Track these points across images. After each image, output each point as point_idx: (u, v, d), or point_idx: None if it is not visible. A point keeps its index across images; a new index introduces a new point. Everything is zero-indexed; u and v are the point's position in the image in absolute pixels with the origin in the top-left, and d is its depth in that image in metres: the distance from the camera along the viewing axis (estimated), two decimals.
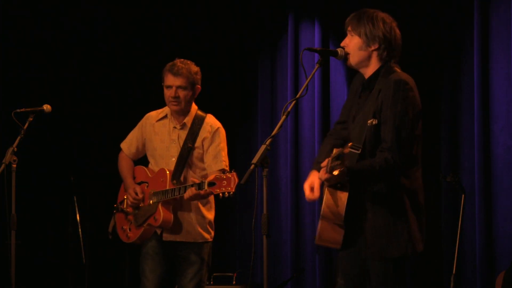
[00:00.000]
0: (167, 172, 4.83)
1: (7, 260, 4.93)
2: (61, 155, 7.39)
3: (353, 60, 3.91)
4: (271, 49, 7.57)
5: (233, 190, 4.47)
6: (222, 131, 4.97)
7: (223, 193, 4.50)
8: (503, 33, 6.17)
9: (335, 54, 3.99)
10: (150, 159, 5.00)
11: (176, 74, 4.83)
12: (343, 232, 3.76)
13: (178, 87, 4.84)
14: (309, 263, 7.06)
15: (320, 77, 7.06)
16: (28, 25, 7.35)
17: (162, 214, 4.76)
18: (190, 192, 4.64)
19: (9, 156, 4.87)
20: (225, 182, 4.49)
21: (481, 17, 6.22)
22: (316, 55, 4.07)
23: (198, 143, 4.89)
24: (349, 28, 3.94)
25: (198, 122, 4.93)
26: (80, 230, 6.96)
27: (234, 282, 6.78)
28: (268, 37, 7.58)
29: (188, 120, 4.93)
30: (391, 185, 3.70)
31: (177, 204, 4.83)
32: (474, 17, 6.24)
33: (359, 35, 3.90)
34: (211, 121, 4.97)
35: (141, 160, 5.12)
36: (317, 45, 7.05)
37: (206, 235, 4.94)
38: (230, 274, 6.84)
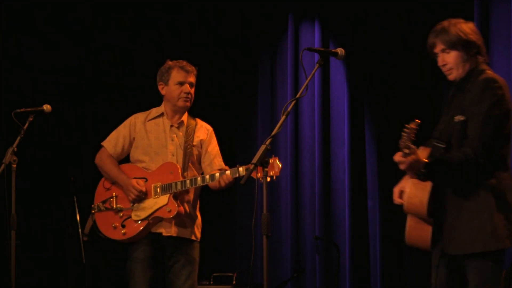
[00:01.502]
0: (177, 165, 4.83)
1: (7, 260, 4.92)
2: (61, 155, 7.39)
3: (458, 73, 3.89)
4: (271, 49, 7.58)
5: (278, 174, 4.43)
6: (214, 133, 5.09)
7: (271, 176, 4.39)
8: (503, 33, 6.16)
9: (335, 54, 3.99)
10: (142, 157, 4.97)
11: (188, 71, 4.92)
12: (430, 229, 3.78)
13: (190, 83, 4.93)
14: (309, 263, 7.06)
15: (320, 77, 7.07)
16: (28, 25, 7.36)
17: (176, 205, 4.77)
18: (227, 179, 4.66)
19: (9, 156, 4.87)
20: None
21: (481, 17, 6.22)
22: (316, 55, 4.07)
23: (196, 142, 4.93)
24: (441, 47, 3.90)
25: (192, 123, 4.97)
26: (80, 230, 6.96)
27: (234, 282, 6.78)
28: (268, 37, 7.58)
29: (185, 119, 4.96)
30: (476, 183, 3.70)
31: (181, 201, 4.84)
32: (474, 17, 6.24)
33: (455, 49, 3.87)
34: (203, 123, 5.08)
35: (123, 161, 5.11)
36: (317, 45, 7.05)
37: (198, 234, 4.98)
38: (230, 274, 6.84)
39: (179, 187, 4.76)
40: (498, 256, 3.70)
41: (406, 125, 3.59)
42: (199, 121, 5.06)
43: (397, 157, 3.69)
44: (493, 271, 3.69)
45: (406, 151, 3.61)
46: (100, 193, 5.04)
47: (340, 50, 4.00)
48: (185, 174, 4.82)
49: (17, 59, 7.30)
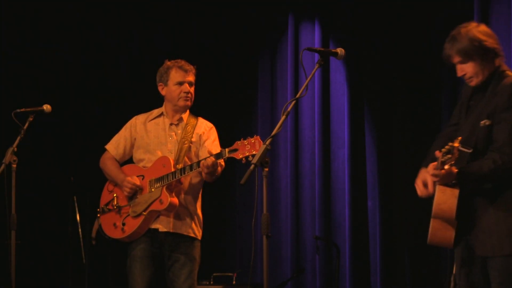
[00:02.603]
0: (169, 157, 4.84)
1: (7, 260, 4.92)
2: (61, 155, 7.39)
3: (478, 80, 3.87)
4: (271, 49, 7.58)
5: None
6: (216, 131, 5.08)
7: (247, 157, 4.47)
8: (503, 33, 6.16)
9: (335, 54, 3.99)
10: (143, 155, 4.99)
11: (187, 70, 4.94)
12: (454, 230, 3.79)
13: (189, 83, 4.94)
14: (309, 263, 7.06)
15: (320, 77, 7.07)
16: (28, 25, 7.36)
17: (169, 196, 4.77)
18: (209, 160, 4.62)
19: (9, 156, 4.87)
20: (248, 146, 4.49)
21: (481, 17, 6.22)
22: (316, 55, 4.07)
23: (195, 138, 4.94)
24: (457, 59, 3.87)
25: (193, 121, 4.98)
26: (80, 230, 6.96)
27: (234, 282, 6.78)
28: (268, 37, 7.58)
29: (185, 117, 4.98)
30: (503, 184, 3.72)
31: (176, 194, 4.84)
32: (474, 17, 6.24)
33: (472, 59, 3.85)
34: (204, 121, 5.08)
35: (126, 163, 5.11)
36: (317, 45, 7.05)
37: (197, 232, 4.97)
38: (230, 274, 6.84)
39: (170, 178, 4.77)
40: None
41: (451, 144, 3.60)
42: (200, 119, 5.06)
43: (431, 170, 3.72)
44: None
45: (447, 166, 3.64)
46: (104, 196, 5.08)
47: (340, 50, 4.00)
48: (178, 166, 4.81)
49: (17, 59, 7.29)
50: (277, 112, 7.40)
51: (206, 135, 4.99)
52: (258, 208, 6.03)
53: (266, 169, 3.74)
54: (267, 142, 3.74)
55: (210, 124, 5.07)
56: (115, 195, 5.00)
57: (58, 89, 7.29)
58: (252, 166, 3.71)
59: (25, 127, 4.94)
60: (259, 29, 7.61)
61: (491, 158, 3.69)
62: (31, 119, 4.98)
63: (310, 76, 3.89)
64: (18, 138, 4.93)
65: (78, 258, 6.91)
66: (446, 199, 3.75)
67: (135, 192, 4.90)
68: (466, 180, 3.72)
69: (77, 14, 7.49)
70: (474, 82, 3.88)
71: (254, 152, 4.45)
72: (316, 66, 3.94)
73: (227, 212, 7.70)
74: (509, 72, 3.85)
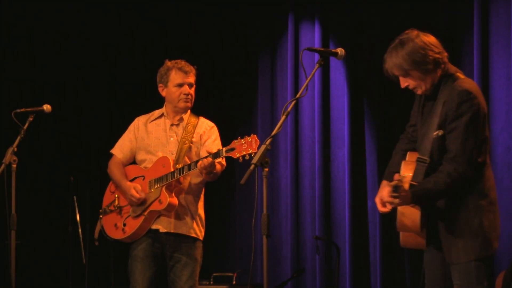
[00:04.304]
0: (169, 158, 4.84)
1: (7, 260, 4.92)
2: (61, 155, 7.39)
3: (424, 89, 3.84)
4: (271, 49, 7.57)
5: (256, 151, 4.41)
6: (217, 130, 5.06)
7: (244, 156, 4.47)
8: (503, 33, 6.17)
9: (335, 54, 3.99)
10: (145, 156, 4.98)
11: (187, 72, 4.92)
12: (424, 236, 3.80)
13: (189, 84, 4.92)
14: (309, 263, 7.07)
15: (320, 77, 7.07)
16: (28, 25, 7.36)
17: (168, 196, 4.77)
18: (206, 161, 4.61)
19: (9, 156, 4.86)
20: (245, 145, 4.48)
21: (481, 17, 6.22)
22: (316, 55, 4.07)
23: (195, 138, 4.93)
24: (397, 72, 3.85)
25: (194, 120, 4.98)
26: (80, 230, 6.96)
27: (234, 282, 6.78)
28: (268, 37, 7.58)
29: (185, 116, 4.97)
30: (463, 192, 3.73)
31: (176, 194, 4.84)
32: (474, 16, 6.24)
33: (409, 74, 3.83)
34: (205, 121, 5.07)
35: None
36: (317, 45, 7.05)
37: (199, 232, 4.95)
38: (230, 274, 6.85)
39: (169, 178, 4.77)
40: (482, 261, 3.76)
41: (398, 181, 3.61)
42: (202, 119, 5.05)
43: (386, 197, 3.68)
44: (477, 269, 3.73)
45: (397, 201, 3.64)
46: (106, 197, 5.09)
47: (340, 50, 4.00)
48: (177, 166, 4.81)
49: (17, 59, 7.29)
50: (277, 112, 7.40)
51: (207, 134, 4.98)
52: (258, 208, 6.03)
53: (266, 169, 3.74)
54: (267, 142, 3.74)
55: (211, 124, 5.06)
56: (116, 195, 5.00)
57: (58, 89, 7.29)
58: (252, 166, 3.71)
59: (25, 127, 4.94)
60: (259, 29, 7.61)
61: (446, 171, 3.67)
62: (31, 119, 4.98)
63: (310, 76, 3.89)
64: (18, 138, 4.92)
65: (78, 258, 6.91)
66: (408, 215, 3.75)
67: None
68: (422, 200, 3.70)
69: (77, 14, 7.49)
70: (419, 92, 3.87)
71: (251, 151, 4.44)
72: (316, 66, 3.94)
73: (227, 212, 7.70)
74: (459, 74, 3.82)
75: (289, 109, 3.81)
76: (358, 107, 6.93)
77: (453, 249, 3.74)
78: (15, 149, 4.89)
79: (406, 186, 3.66)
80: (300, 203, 7.19)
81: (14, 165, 4.88)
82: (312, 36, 7.17)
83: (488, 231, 3.73)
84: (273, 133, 3.78)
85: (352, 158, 6.86)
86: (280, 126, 3.79)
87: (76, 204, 6.96)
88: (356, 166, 6.85)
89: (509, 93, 6.14)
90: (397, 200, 3.61)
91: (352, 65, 6.97)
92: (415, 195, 3.67)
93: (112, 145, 5.17)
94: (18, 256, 4.94)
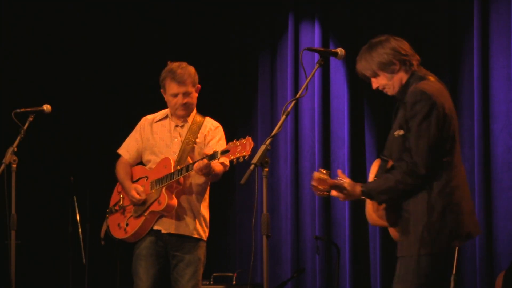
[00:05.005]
0: (171, 159, 4.83)
1: (7, 260, 4.92)
2: (61, 155, 7.39)
3: (394, 90, 3.96)
4: (271, 49, 7.58)
5: (249, 153, 4.40)
6: (222, 130, 5.02)
7: (238, 158, 4.44)
8: (503, 33, 6.16)
9: (335, 54, 4.00)
10: (150, 157, 4.99)
11: (180, 82, 4.84)
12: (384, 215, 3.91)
13: (184, 94, 4.87)
14: (309, 263, 7.07)
15: (320, 77, 7.07)
16: (28, 25, 7.36)
17: (167, 197, 4.77)
18: (201, 163, 4.60)
19: (9, 156, 4.86)
20: (239, 147, 4.45)
21: (481, 17, 6.22)
22: (316, 55, 4.08)
23: (199, 139, 4.92)
24: (367, 75, 4.01)
25: (199, 121, 4.96)
26: (80, 230, 6.96)
27: (234, 282, 6.78)
28: (268, 37, 7.58)
29: (190, 118, 4.96)
30: (420, 189, 3.75)
31: (178, 195, 4.84)
32: (474, 16, 6.24)
33: (377, 75, 3.97)
34: (211, 121, 5.03)
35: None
36: (317, 45, 7.05)
37: (202, 233, 4.94)
38: (230, 274, 6.85)
39: (169, 179, 4.77)
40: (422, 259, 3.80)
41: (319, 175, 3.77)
42: (207, 118, 5.02)
43: (334, 193, 3.85)
44: (417, 262, 3.79)
45: (319, 194, 3.83)
46: (114, 197, 5.10)
47: (340, 50, 4.01)
48: (178, 167, 4.80)
49: (17, 59, 7.30)
50: (277, 112, 7.40)
51: (211, 135, 4.95)
52: (258, 208, 6.03)
53: (266, 169, 3.74)
54: (267, 142, 3.74)
55: (216, 124, 5.02)
56: (121, 196, 5.02)
57: (58, 89, 7.29)
58: (252, 166, 3.71)
59: (25, 127, 4.94)
60: (259, 29, 7.61)
61: (399, 168, 3.76)
62: (31, 119, 4.98)
63: (310, 76, 3.89)
64: (18, 138, 4.92)
65: (78, 258, 6.91)
66: (375, 209, 3.87)
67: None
68: (372, 196, 3.81)
69: (77, 14, 7.50)
70: (390, 93, 3.97)
71: (244, 153, 4.41)
72: (316, 66, 3.94)
73: (227, 212, 7.70)
74: (429, 77, 3.90)
75: (289, 109, 3.81)
76: (358, 107, 6.93)
77: (405, 242, 3.83)
78: (15, 149, 4.89)
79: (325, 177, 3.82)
80: (300, 203, 7.19)
81: (14, 165, 4.88)
82: (312, 36, 7.17)
83: (440, 229, 3.72)
84: (273, 133, 3.78)
85: (352, 158, 6.86)
86: (280, 126, 3.79)
87: (76, 204, 6.97)
88: (356, 166, 6.85)
89: (509, 93, 6.13)
90: (348, 186, 3.80)
91: (352, 65, 6.91)
92: (364, 191, 3.81)
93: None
94: (18, 256, 4.94)
